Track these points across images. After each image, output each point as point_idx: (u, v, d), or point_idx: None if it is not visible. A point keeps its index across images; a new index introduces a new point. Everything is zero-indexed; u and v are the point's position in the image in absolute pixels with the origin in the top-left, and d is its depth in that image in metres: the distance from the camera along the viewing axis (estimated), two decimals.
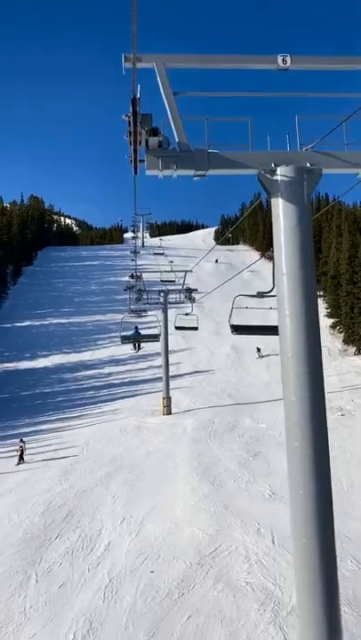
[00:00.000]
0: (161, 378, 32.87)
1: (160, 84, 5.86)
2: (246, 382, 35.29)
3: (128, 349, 44.66)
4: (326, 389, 6.38)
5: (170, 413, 26.40)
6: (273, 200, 6.29)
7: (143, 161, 5.93)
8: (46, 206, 78.25)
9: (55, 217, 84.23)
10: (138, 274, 25.95)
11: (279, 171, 6.11)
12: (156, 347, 45.63)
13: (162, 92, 5.84)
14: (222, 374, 38.37)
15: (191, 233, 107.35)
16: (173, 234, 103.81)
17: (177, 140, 5.94)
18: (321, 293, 52.63)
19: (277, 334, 14.31)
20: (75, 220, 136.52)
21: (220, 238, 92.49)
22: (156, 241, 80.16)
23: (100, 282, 59.68)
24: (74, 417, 29.84)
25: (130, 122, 5.42)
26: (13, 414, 31.19)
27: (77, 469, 18.64)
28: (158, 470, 17.52)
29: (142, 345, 33.90)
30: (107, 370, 41.34)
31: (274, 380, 35.13)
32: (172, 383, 29.05)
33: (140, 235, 76.21)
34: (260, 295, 22.10)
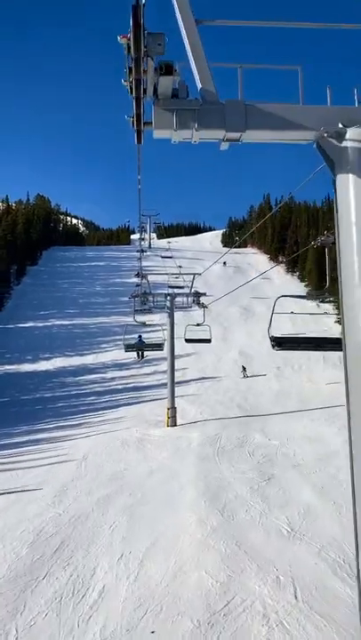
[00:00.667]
0: (166, 384, 31.16)
1: (177, 7, 3.99)
2: (255, 391, 33.46)
3: (132, 354, 43.02)
4: None
5: (175, 425, 24.58)
6: (340, 175, 4.35)
7: (150, 123, 4.10)
8: (52, 206, 76.85)
9: (62, 217, 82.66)
10: (143, 274, 24.28)
11: (350, 133, 4.18)
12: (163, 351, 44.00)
13: (179, 19, 3.99)
14: (230, 381, 36.57)
15: (199, 235, 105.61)
16: (180, 236, 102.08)
17: (200, 87, 4.08)
18: (332, 299, 50.78)
19: (336, 349, 11.45)
20: (82, 220, 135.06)
21: (228, 241, 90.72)
22: (163, 243, 78.40)
23: (106, 283, 57.99)
24: (74, 425, 28.12)
25: (129, 46, 3.41)
26: (12, 421, 29.49)
27: (73, 489, 16.83)
28: (161, 493, 15.69)
29: (146, 353, 32.86)
30: (110, 374, 39.65)
31: (285, 389, 33.33)
32: (178, 390, 27.20)
33: (146, 236, 74.48)
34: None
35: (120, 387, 37.04)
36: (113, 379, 38.58)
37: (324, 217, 60.04)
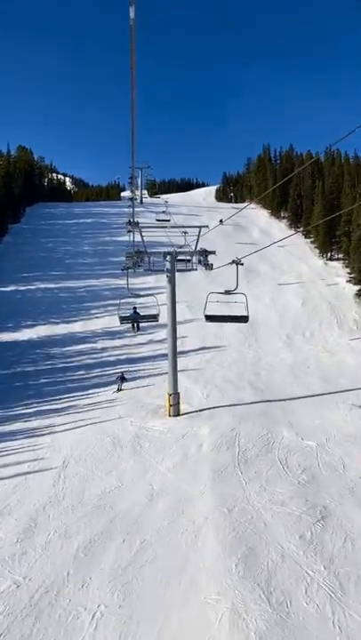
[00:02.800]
0: (164, 355, 25.95)
1: None
2: (266, 364, 28.27)
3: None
4: None
5: (178, 414, 19.34)
6: None
7: None
8: (35, 158, 68.65)
9: (47, 172, 74.75)
10: (136, 228, 18.43)
11: None
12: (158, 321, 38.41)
13: None
14: (235, 352, 31.34)
15: (192, 192, 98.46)
16: (173, 193, 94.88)
17: None
18: (341, 256, 45.10)
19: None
20: (71, 177, 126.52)
21: (222, 197, 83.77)
22: (157, 201, 71.30)
23: (95, 242, 51.70)
24: (58, 410, 22.84)
25: None
26: None
27: (44, 527, 11.66)
28: (169, 542, 10.55)
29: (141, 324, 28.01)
30: (100, 344, 34.14)
31: (300, 361, 28.16)
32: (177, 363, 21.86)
33: (138, 192, 67.49)
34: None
35: (112, 358, 31.67)
36: (104, 349, 33.14)
37: (330, 168, 53.59)
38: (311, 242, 49.08)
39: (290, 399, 20.35)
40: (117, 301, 24.63)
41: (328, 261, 45.53)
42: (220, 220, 55.02)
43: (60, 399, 24.54)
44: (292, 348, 31.50)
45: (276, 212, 58.11)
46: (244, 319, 18.34)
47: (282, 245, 46.49)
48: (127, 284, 21.73)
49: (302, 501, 11.52)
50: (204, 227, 19.00)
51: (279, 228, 55.31)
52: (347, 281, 40.15)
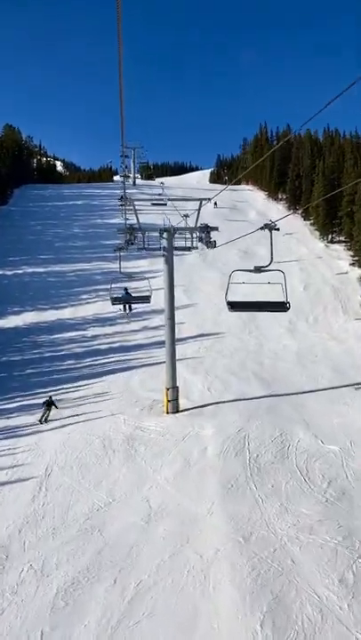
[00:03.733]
0: (159, 343, 23.63)
1: None
2: (268, 351, 25.98)
3: (117, 307, 35.02)
4: None
5: (177, 411, 17.00)
6: None
7: None
8: (24, 138, 64.78)
9: (35, 153, 71.05)
10: (129, 202, 15.87)
11: None
12: (152, 302, 35.70)
13: None
14: (235, 339, 28.99)
15: (185, 175, 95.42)
16: (167, 176, 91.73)
17: None
18: (342, 239, 42.71)
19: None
20: (62, 161, 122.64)
21: (216, 180, 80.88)
22: (153, 183, 68.06)
23: (85, 224, 48.87)
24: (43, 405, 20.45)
25: None
26: None
27: (16, 561, 9.33)
28: (171, 584, 8.25)
29: (134, 306, 25.89)
30: (91, 332, 31.58)
31: (305, 349, 25.87)
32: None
33: (130, 175, 64.42)
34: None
35: (104, 346, 29.19)
36: (95, 337, 30.63)
37: (329, 148, 50.92)
38: (311, 224, 46.60)
39: (300, 393, 18.06)
40: (109, 286, 23.38)
41: (329, 244, 43.11)
42: (215, 203, 52.49)
43: (47, 392, 22.12)
44: (296, 334, 29.20)
45: (273, 194, 55.43)
46: (282, 307, 13.25)
47: (289, 233, 44.16)
48: (119, 265, 19.29)
49: (334, 526, 9.25)
50: (205, 199, 16.48)
51: (277, 210, 52.69)
52: (350, 264, 37.82)
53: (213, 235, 17.83)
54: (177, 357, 19.25)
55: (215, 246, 17.08)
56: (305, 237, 45.36)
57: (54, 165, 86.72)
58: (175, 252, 17.17)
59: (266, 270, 12.27)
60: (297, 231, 46.41)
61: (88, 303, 35.34)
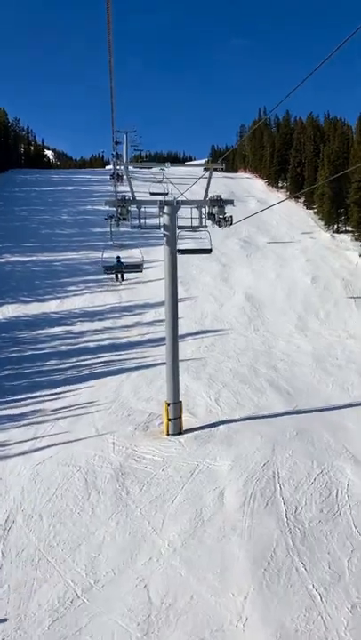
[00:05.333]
0: (154, 340, 21.35)
1: None
2: (280, 353, 22.30)
3: (107, 299, 31.09)
4: None
5: (180, 431, 13.23)
6: None
7: None
8: (10, 120, 59.97)
9: (23, 139, 66.16)
10: (120, 172, 11.98)
11: None
12: (145, 296, 32.03)
13: None
14: (239, 336, 25.29)
15: (180, 165, 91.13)
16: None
17: None
18: (350, 229, 39.04)
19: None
20: (53, 150, 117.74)
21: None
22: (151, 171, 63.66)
23: (74, 211, 44.73)
24: (15, 417, 16.65)
25: None
26: None
27: None
28: None
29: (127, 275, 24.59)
30: (78, 327, 27.64)
31: (322, 349, 22.21)
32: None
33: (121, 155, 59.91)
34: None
35: (92, 344, 25.31)
36: (82, 333, 26.73)
37: (333, 133, 47.10)
38: (315, 212, 42.84)
39: (333, 408, 14.36)
40: (99, 276, 24.16)
41: (335, 234, 39.41)
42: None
43: (21, 402, 18.25)
44: (307, 332, 25.55)
45: (273, 182, 51.56)
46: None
47: (297, 235, 40.28)
48: (110, 233, 15.51)
49: None
50: (216, 166, 12.62)
51: (278, 198, 48.83)
52: (360, 255, 34.14)
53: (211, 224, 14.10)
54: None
55: (232, 223, 13.23)
56: (309, 227, 41.66)
57: (43, 152, 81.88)
58: (181, 228, 13.34)
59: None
60: (300, 220, 42.74)
61: (76, 295, 31.35)
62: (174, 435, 13.02)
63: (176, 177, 61.44)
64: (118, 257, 25.52)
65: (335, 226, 39.78)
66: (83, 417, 15.81)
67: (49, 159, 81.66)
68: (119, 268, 23.89)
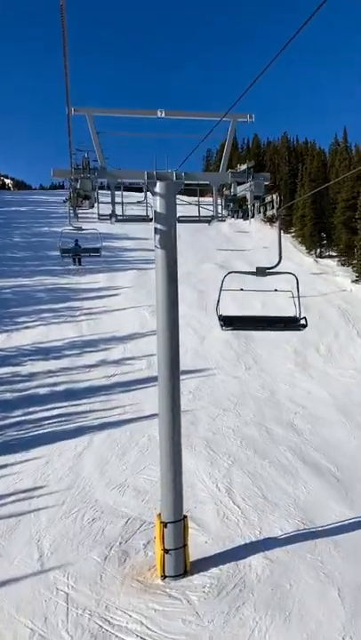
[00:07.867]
0: (122, 384, 17.36)
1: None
2: (288, 400, 17.05)
3: (66, 332, 25.22)
4: None
5: (185, 572, 7.37)
6: None
7: None
8: None
9: None
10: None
11: None
12: (111, 327, 26.22)
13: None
14: (230, 378, 20.05)
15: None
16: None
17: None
18: (334, 254, 34.76)
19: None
20: (12, 179, 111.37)
21: (181, 192, 72.59)
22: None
23: (29, 233, 38.76)
24: None
25: None
26: None
27: None
28: None
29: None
30: (28, 367, 21.54)
31: (339, 396, 17.04)
32: (142, 394, 10.51)
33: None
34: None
35: (44, 390, 19.28)
36: (33, 376, 20.60)
37: (308, 153, 43.56)
38: (293, 236, 38.56)
39: None
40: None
41: (318, 258, 35.07)
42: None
43: None
44: (311, 371, 20.49)
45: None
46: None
47: (266, 247, 35.80)
48: (69, 215, 9.89)
49: None
50: (242, 117, 7.37)
51: (254, 220, 44.52)
52: (352, 281, 29.68)
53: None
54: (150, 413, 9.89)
55: (280, 206, 7.95)
56: (288, 251, 37.18)
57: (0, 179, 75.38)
58: (183, 220, 7.98)
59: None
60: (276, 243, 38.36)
61: (27, 328, 25.22)
62: (176, 578, 7.19)
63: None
64: (76, 240, 23.96)
65: (318, 250, 35.50)
66: (21, 522, 9.75)
67: (7, 185, 75.32)
68: (76, 252, 22.63)
